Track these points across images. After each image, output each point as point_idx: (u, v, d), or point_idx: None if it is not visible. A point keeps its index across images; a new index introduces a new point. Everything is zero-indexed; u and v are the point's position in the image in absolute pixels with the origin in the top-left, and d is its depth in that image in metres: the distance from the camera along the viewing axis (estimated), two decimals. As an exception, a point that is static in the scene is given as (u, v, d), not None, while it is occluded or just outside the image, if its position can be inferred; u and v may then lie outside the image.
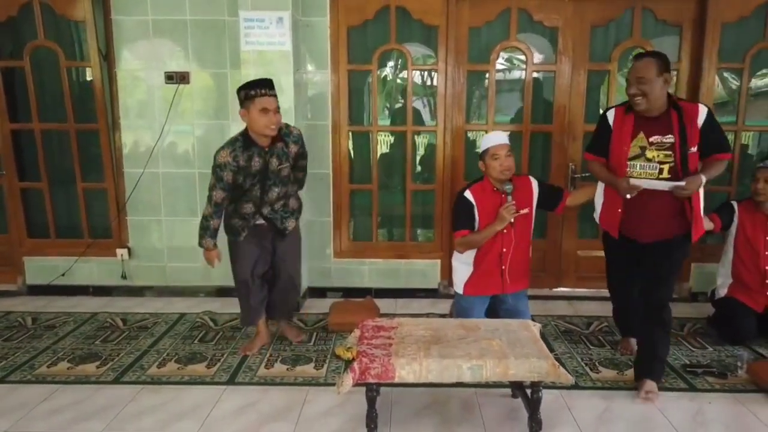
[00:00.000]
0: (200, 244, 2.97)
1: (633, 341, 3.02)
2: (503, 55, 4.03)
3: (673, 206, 2.55)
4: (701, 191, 2.54)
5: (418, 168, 4.21)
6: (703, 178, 2.44)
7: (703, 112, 2.47)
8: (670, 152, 2.47)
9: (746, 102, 3.88)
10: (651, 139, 2.51)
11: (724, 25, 3.74)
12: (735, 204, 3.37)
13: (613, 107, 2.68)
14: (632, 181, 2.48)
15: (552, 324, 3.58)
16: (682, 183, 2.41)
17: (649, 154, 2.51)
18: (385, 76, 4.13)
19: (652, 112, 2.49)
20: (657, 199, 2.53)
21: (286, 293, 3.23)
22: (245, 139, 2.80)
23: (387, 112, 4.19)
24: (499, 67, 4.00)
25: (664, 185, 2.45)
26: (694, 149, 2.45)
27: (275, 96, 2.77)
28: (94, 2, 3.76)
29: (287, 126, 2.95)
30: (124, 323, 3.60)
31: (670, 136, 2.47)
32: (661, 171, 2.50)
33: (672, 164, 2.49)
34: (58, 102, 3.98)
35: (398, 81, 4.14)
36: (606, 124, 2.65)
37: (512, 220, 2.80)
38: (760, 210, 3.25)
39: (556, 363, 2.21)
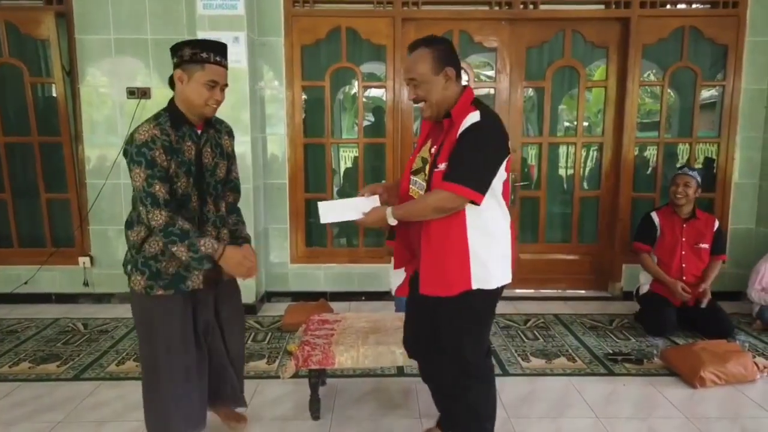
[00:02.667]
0: (200, 262, 1.93)
1: None
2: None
3: (443, 239, 1.86)
4: (469, 223, 1.84)
5: (372, 178, 4.45)
6: (389, 214, 1.87)
7: (469, 120, 1.79)
8: None
9: (667, 116, 4.28)
10: (432, 150, 1.93)
11: (646, 47, 4.12)
12: (654, 215, 3.68)
13: None
14: (322, 204, 2.06)
15: (493, 321, 3.84)
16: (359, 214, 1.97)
17: (426, 168, 1.94)
18: (338, 91, 4.39)
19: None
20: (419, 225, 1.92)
21: (228, 372, 2.28)
22: (174, 115, 1.98)
23: (341, 125, 4.44)
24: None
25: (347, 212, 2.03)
26: (443, 166, 1.82)
27: (227, 69, 2.03)
28: (58, 22, 3.93)
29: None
30: (85, 327, 3.72)
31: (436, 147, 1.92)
32: (425, 191, 1.93)
33: None
34: (23, 116, 4.13)
35: (350, 96, 4.41)
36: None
37: None
38: (676, 214, 3.60)
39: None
